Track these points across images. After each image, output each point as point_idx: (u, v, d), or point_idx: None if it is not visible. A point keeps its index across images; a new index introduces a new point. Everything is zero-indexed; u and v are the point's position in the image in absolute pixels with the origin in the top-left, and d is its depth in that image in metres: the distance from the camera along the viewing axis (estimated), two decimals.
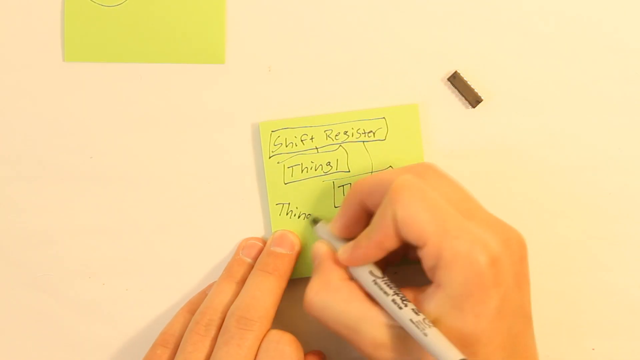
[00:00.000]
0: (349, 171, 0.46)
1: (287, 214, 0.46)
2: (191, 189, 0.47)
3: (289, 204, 0.46)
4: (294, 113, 0.46)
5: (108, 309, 0.47)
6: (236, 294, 0.44)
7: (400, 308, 0.37)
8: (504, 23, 0.46)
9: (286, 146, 0.46)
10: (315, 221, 0.45)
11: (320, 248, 0.42)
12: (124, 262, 0.47)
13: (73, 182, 0.47)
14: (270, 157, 0.46)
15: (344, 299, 0.39)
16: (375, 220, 0.39)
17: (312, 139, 0.46)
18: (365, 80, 0.46)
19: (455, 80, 0.46)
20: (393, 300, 0.37)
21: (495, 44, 0.46)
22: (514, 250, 0.38)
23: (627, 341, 0.46)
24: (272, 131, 0.46)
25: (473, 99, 0.46)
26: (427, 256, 0.37)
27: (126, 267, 0.47)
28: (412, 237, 0.37)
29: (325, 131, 0.46)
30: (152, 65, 0.47)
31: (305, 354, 0.43)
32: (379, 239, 0.38)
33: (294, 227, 0.46)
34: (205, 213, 0.47)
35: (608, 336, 0.46)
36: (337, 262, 0.41)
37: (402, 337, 0.37)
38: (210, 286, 0.46)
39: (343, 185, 0.46)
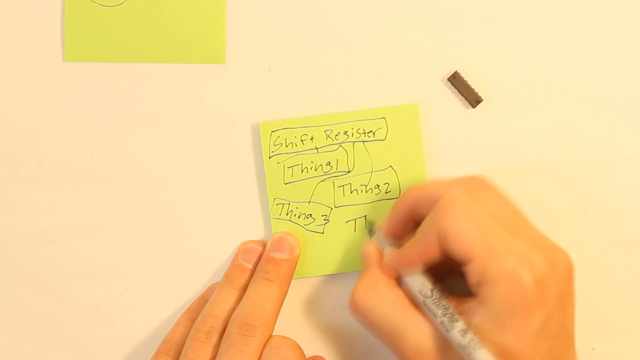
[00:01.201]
0: (349, 171, 0.46)
1: (287, 214, 0.46)
2: (191, 189, 0.47)
3: (289, 204, 0.46)
4: (294, 113, 0.46)
5: (108, 309, 0.47)
6: (237, 301, 0.44)
7: (448, 331, 0.37)
8: (504, 23, 0.46)
9: (286, 146, 0.46)
10: (371, 226, 0.44)
11: (368, 250, 0.42)
12: (124, 262, 0.47)
13: (73, 182, 0.47)
14: (270, 157, 0.46)
15: (389, 303, 0.39)
16: (420, 232, 0.39)
17: (312, 139, 0.46)
18: (365, 80, 0.46)
19: (455, 80, 0.46)
20: (441, 323, 0.38)
21: (495, 44, 0.46)
22: (560, 271, 0.38)
23: (627, 341, 0.46)
24: (272, 131, 0.46)
25: (473, 99, 0.46)
26: (472, 273, 0.37)
27: (126, 267, 0.47)
28: (457, 253, 0.37)
29: (325, 131, 0.46)
30: (152, 65, 0.47)
31: (307, 358, 0.43)
32: (422, 250, 0.39)
33: (294, 228, 0.46)
34: (205, 213, 0.47)
35: (608, 336, 0.46)
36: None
37: (444, 347, 0.38)
38: (209, 289, 0.46)
39: (343, 186, 0.46)
